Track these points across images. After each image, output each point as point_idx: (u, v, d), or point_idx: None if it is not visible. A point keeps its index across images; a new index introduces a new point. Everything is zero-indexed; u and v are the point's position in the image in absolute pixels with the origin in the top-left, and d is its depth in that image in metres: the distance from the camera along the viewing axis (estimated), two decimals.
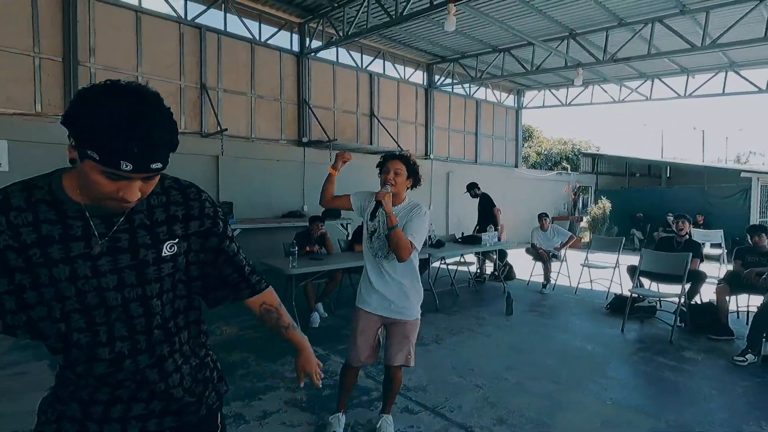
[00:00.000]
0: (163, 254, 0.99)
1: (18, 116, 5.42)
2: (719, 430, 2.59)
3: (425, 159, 10.59)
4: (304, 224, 6.76)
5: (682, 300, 4.37)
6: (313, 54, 8.25)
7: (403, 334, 2.28)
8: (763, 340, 3.59)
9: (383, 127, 9.50)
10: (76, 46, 5.81)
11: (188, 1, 6.86)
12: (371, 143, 9.43)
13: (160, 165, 0.82)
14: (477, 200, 7.21)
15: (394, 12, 6.53)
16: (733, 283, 4.33)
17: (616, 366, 3.59)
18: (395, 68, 9.98)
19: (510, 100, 13.03)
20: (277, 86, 8.00)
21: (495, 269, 6.82)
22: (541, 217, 6.74)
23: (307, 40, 8.14)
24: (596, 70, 10.13)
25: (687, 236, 4.92)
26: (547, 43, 8.22)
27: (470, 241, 6.09)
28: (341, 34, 7.50)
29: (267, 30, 7.85)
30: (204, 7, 7.00)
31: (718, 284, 4.50)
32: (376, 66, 9.65)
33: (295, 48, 8.22)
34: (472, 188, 7.15)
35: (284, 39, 8.12)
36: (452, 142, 11.42)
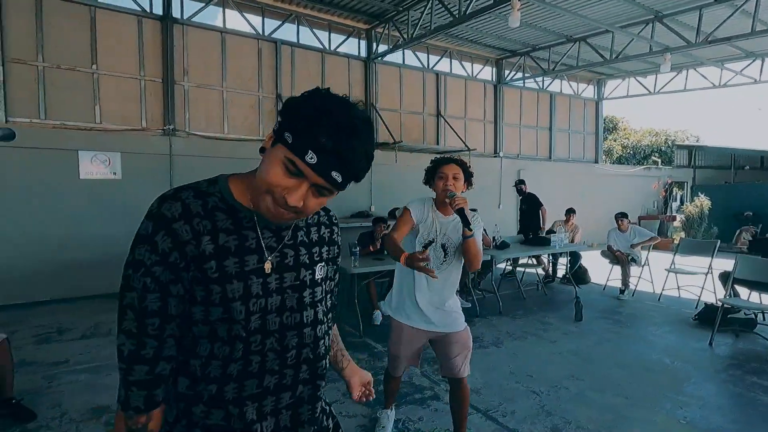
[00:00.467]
0: (316, 277, 0.91)
1: (128, 131, 6.32)
2: None
3: (494, 157, 10.34)
4: (369, 224, 7.03)
5: None
6: (379, 59, 8.47)
7: (462, 344, 2.19)
8: None
9: (450, 126, 9.44)
10: (173, 67, 6.62)
11: (265, 18, 7.44)
12: (438, 143, 9.43)
13: (339, 179, 0.76)
14: (529, 199, 6.96)
15: (457, 11, 6.49)
16: None
17: (697, 383, 3.28)
18: (462, 66, 9.86)
19: (589, 91, 12.17)
20: (346, 91, 8.30)
21: (549, 272, 6.54)
22: (618, 217, 6.26)
23: (374, 45, 8.38)
24: (689, 53, 9.11)
25: None
26: (628, 29, 7.58)
27: (538, 242, 5.87)
28: (406, 36, 7.61)
29: (336, 38, 8.23)
30: (279, 22, 7.55)
31: None
32: (443, 65, 9.62)
33: (363, 54, 8.50)
34: (519, 184, 7.00)
35: (353, 46, 8.45)
36: (524, 139, 10.98)
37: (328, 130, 0.73)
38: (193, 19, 6.79)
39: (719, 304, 4.20)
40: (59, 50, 5.85)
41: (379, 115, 8.53)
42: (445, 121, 9.46)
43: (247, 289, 0.82)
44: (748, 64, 9.33)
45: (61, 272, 5.68)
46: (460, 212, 1.95)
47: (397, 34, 8.15)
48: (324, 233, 0.96)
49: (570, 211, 6.86)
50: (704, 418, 2.75)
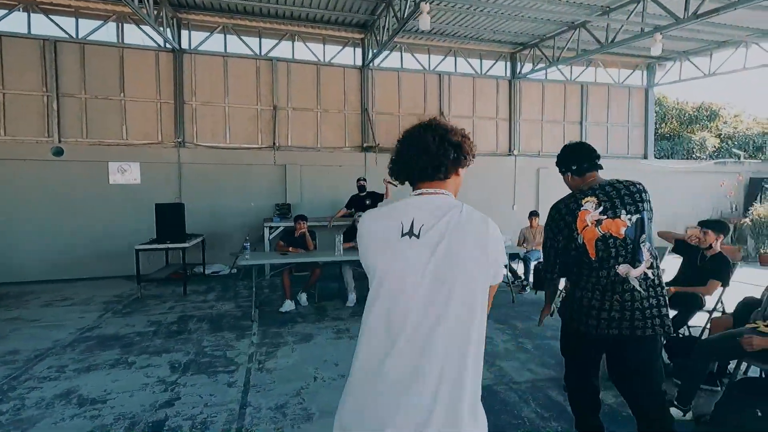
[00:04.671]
0: None
1: (146, 145, 7.82)
2: None
3: (508, 156, 9.94)
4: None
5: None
6: (374, 65, 8.87)
7: None
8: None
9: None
10: (182, 90, 7.96)
11: (263, 38, 8.41)
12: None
13: None
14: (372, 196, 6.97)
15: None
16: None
17: None
18: (469, 63, 9.68)
19: (635, 78, 10.81)
20: (342, 99, 8.94)
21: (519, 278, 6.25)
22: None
23: (370, 52, 8.80)
24: (750, 27, 7.71)
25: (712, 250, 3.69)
26: (626, 7, 6.80)
27: None
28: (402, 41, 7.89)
29: (331, 50, 8.86)
30: (276, 41, 8.47)
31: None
32: (449, 65, 9.58)
33: (358, 62, 8.99)
34: (360, 180, 7.11)
35: (348, 56, 8.99)
36: (546, 135, 10.29)
37: None
38: (200, 48, 8.05)
39: None
40: (97, 84, 7.53)
41: (370, 119, 8.93)
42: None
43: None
44: None
45: (95, 257, 7.34)
46: None
47: (396, 39, 8.47)
48: None
49: (533, 214, 6.51)
50: None
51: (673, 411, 2.68)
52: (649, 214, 1.92)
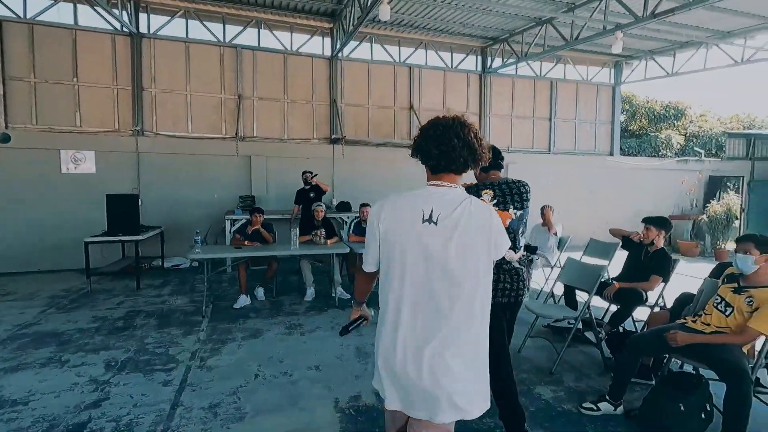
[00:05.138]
0: None
1: (102, 133, 7.49)
2: None
3: None
4: (332, 216, 7.42)
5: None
6: (344, 55, 8.71)
7: None
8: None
9: (418, 119, 9.34)
10: (141, 76, 7.65)
11: (227, 25, 8.14)
12: (410, 137, 9.40)
13: None
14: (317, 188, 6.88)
15: None
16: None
17: None
18: (440, 57, 9.63)
19: (603, 76, 10.98)
20: (310, 89, 8.76)
21: None
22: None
23: (339, 42, 8.64)
24: (710, 28, 7.91)
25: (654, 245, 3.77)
26: (590, 5, 6.85)
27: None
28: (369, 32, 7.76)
29: (298, 39, 8.65)
30: (241, 28, 8.21)
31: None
32: (419, 57, 9.51)
33: (327, 52, 8.82)
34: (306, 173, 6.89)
35: (316, 45, 8.81)
36: (516, 131, 10.37)
37: None
38: (159, 32, 7.74)
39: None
40: (47, 68, 7.14)
41: (338, 111, 8.80)
42: (416, 114, 9.39)
43: None
44: None
45: (44, 250, 7.01)
46: None
47: (367, 29, 8.36)
48: None
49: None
50: None
51: (604, 406, 2.72)
52: (528, 210, 2.29)
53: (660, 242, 3.70)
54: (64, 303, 5.14)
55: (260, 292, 5.38)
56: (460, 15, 8.18)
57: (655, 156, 14.01)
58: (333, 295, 5.32)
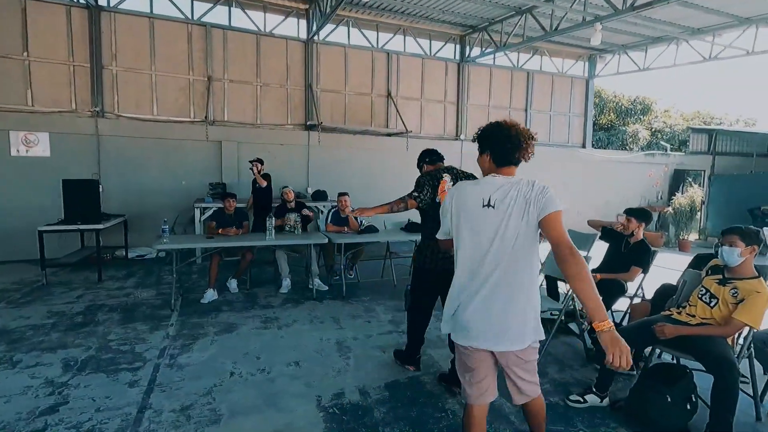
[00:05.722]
0: None
1: (57, 113, 6.93)
2: None
3: (455, 140, 9.91)
4: (308, 204, 7.10)
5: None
6: (319, 39, 8.40)
7: None
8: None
9: (396, 107, 9.18)
10: (101, 53, 7.10)
11: (195, 1, 7.67)
12: (387, 125, 9.25)
13: None
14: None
15: None
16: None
17: None
18: (418, 44, 9.46)
19: (577, 69, 11.13)
20: (284, 73, 8.41)
21: None
22: None
23: (313, 24, 8.31)
24: (682, 25, 8.07)
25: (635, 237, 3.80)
26: None
27: (414, 229, 5.66)
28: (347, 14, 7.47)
29: (273, 19, 8.27)
30: (210, 5, 7.75)
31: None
32: (397, 44, 9.30)
33: (302, 35, 8.47)
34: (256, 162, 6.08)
35: (291, 27, 8.45)
36: (493, 120, 10.34)
37: None
38: (121, 6, 7.19)
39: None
40: None
41: (314, 97, 8.51)
42: (393, 102, 9.21)
43: None
44: (740, 34, 8.00)
45: None
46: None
47: (344, 12, 8.05)
48: None
49: None
50: None
51: (591, 398, 2.71)
52: None
53: (640, 234, 3.73)
54: (15, 297, 4.73)
55: (233, 283, 5.13)
56: (440, 0, 8.02)
57: (622, 149, 14.44)
58: (310, 286, 5.13)
